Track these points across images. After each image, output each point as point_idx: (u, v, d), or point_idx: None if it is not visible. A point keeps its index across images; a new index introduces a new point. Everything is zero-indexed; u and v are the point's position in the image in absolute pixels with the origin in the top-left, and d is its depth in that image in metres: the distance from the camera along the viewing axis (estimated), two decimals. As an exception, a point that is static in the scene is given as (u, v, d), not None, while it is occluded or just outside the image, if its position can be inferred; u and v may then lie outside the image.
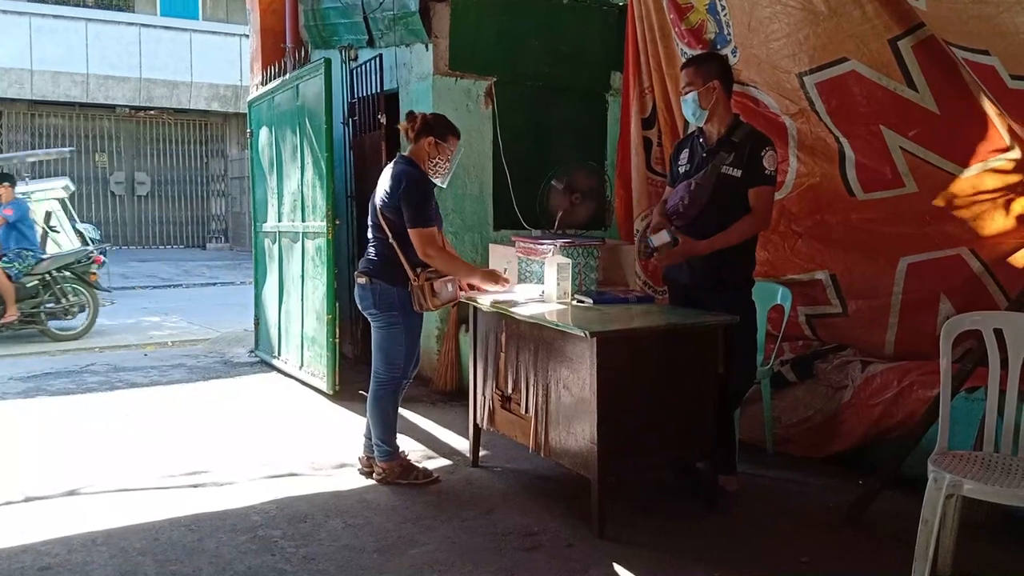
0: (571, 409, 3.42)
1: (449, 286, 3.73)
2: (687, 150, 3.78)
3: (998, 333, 2.96)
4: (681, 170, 3.76)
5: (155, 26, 19.00)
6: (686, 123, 4.79)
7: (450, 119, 3.91)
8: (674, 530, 3.42)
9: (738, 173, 3.53)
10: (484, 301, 3.90)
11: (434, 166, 3.79)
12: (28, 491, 3.86)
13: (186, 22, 19.44)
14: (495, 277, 3.88)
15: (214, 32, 19.35)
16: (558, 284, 3.76)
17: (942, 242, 4.06)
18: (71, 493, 3.87)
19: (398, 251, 3.72)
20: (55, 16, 17.80)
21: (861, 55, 3.87)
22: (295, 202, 6.09)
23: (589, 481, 3.35)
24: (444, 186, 3.93)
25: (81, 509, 3.67)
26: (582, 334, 3.25)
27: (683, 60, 4.70)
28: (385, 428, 3.90)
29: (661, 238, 3.60)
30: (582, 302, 3.82)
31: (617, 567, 3.09)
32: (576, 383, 3.37)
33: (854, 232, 4.26)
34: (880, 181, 4.06)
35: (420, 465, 4.00)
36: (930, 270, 4.10)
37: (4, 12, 17.13)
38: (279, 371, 6.53)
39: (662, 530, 3.42)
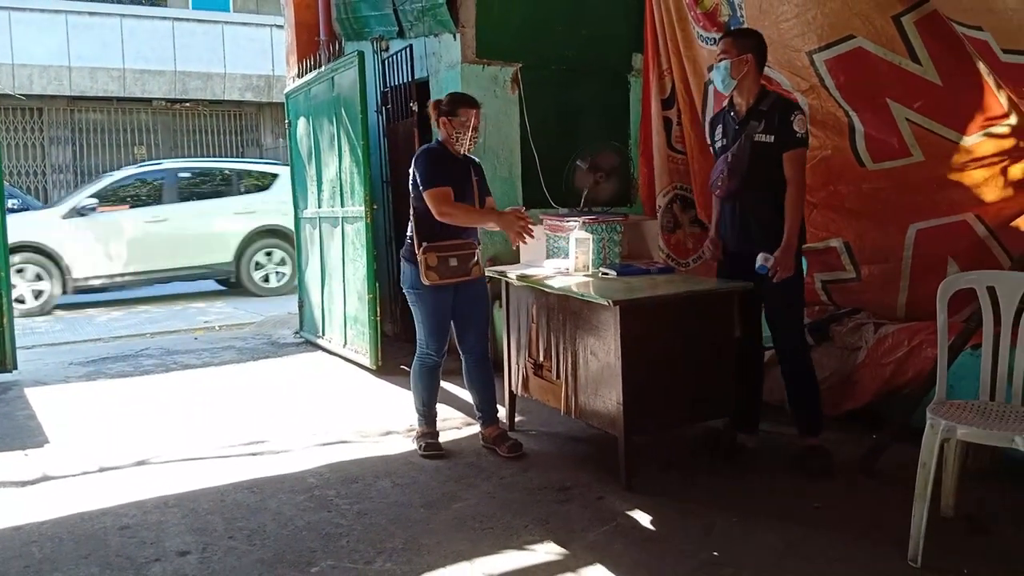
0: (598, 373, 3.70)
1: (452, 260, 3.83)
2: (720, 125, 3.93)
3: (991, 290, 3.18)
4: (718, 145, 3.94)
5: (188, 19, 19.36)
6: (704, 102, 5.02)
7: (465, 93, 4.13)
8: (696, 482, 3.70)
9: (771, 139, 3.68)
10: (513, 276, 4.19)
11: (457, 140, 3.89)
12: (102, 462, 4.23)
13: (218, 14, 19.78)
14: (510, 221, 3.87)
15: (245, 23, 19.67)
16: (577, 258, 4.03)
17: (948, 209, 4.26)
18: (141, 463, 4.23)
19: (413, 228, 3.93)
20: (90, 13, 18.21)
21: (866, 32, 4.06)
22: (334, 188, 6.40)
23: (616, 439, 3.64)
24: (464, 151, 3.94)
25: (151, 477, 4.02)
26: (606, 303, 3.52)
27: (699, 42, 4.91)
28: (415, 399, 4.19)
29: (765, 259, 3.68)
30: (607, 274, 4.09)
31: (643, 514, 3.38)
32: (602, 349, 3.65)
33: (865, 201, 4.46)
34: (888, 151, 4.25)
35: (431, 441, 4.17)
36: (938, 236, 4.30)
37: (42, 11, 17.58)
38: (324, 350, 6.87)
39: (685, 482, 3.70)
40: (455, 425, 4.60)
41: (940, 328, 3.22)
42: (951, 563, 2.90)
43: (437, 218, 3.79)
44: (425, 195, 3.81)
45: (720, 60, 3.76)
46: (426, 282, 3.83)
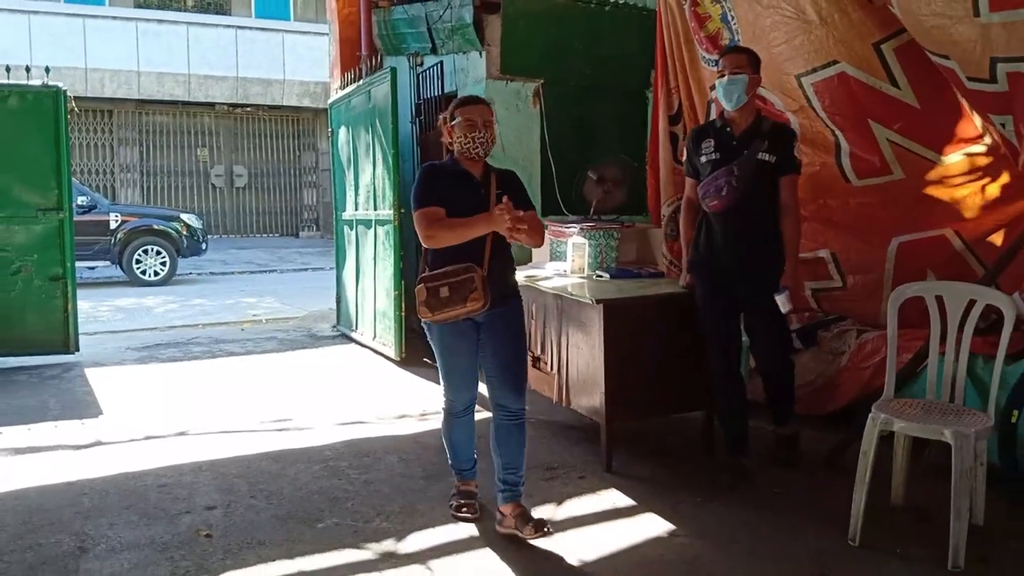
0: (586, 365, 4.08)
1: (442, 291, 3.21)
2: (711, 140, 3.92)
3: (939, 299, 3.48)
4: (704, 159, 3.91)
5: (250, 27, 20.19)
6: (708, 118, 5.34)
7: (467, 95, 3.60)
8: (671, 468, 4.07)
9: (773, 159, 3.79)
10: (520, 276, 4.59)
11: (464, 147, 3.29)
12: (147, 432, 4.75)
13: (279, 23, 20.57)
14: (498, 220, 3.15)
15: (304, 32, 20.39)
16: (574, 260, 4.41)
17: (928, 224, 4.53)
18: (181, 434, 4.74)
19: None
20: (158, 21, 19.11)
21: (849, 57, 4.35)
22: (368, 193, 6.88)
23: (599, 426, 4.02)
24: (475, 155, 3.31)
25: (189, 445, 4.52)
26: (591, 302, 3.91)
27: (703, 63, 5.25)
28: (447, 451, 3.64)
29: (786, 298, 3.81)
30: (601, 276, 4.47)
31: (618, 492, 3.76)
32: (588, 344, 4.03)
33: (852, 215, 4.75)
34: (871, 169, 4.54)
35: (463, 502, 3.56)
36: (918, 249, 4.58)
37: (113, 18, 18.57)
38: (356, 342, 7.36)
39: (660, 468, 4.07)
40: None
41: (890, 334, 3.54)
42: (888, 544, 3.22)
43: (424, 244, 3.32)
44: (414, 218, 3.32)
45: (736, 74, 3.77)
46: (422, 318, 3.34)
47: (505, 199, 3.17)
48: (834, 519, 3.36)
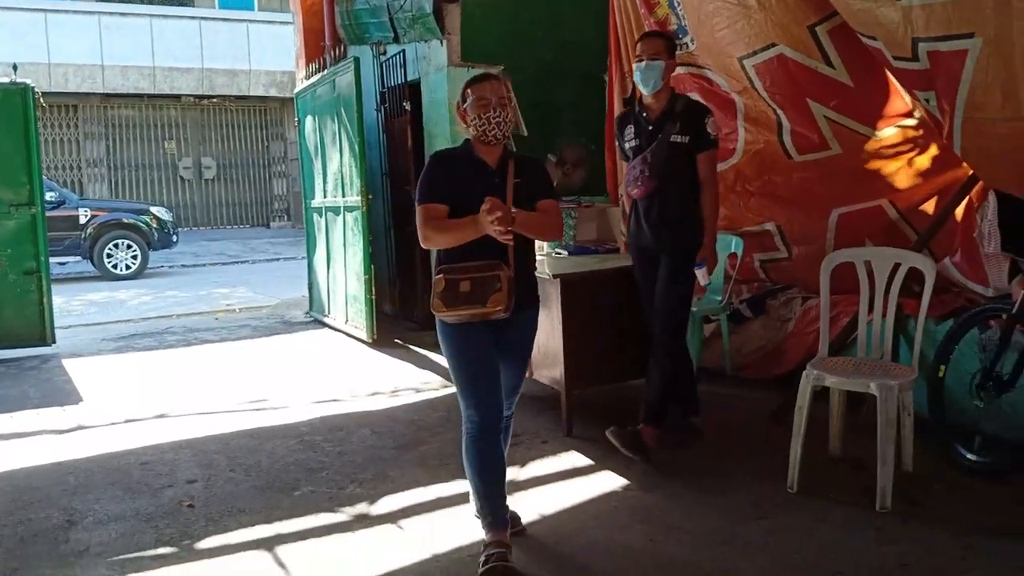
0: (547, 338, 4.32)
1: (463, 285, 2.84)
2: (631, 125, 3.99)
3: (868, 264, 3.76)
4: (629, 145, 4.00)
5: (214, 18, 20.14)
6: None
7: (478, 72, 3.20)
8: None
9: (686, 140, 3.81)
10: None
11: (479, 129, 2.92)
12: (127, 416, 4.93)
13: (243, 13, 20.53)
14: (484, 222, 2.77)
15: (269, 22, 20.35)
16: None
17: (865, 195, 4.82)
18: (160, 416, 4.92)
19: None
20: (122, 14, 19.01)
21: (786, 40, 4.59)
22: (336, 180, 7.07)
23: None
24: (494, 138, 2.93)
25: (169, 427, 4.72)
26: (549, 277, 4.14)
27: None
28: (472, 490, 3.05)
29: (703, 273, 3.89)
30: (559, 254, 4.70)
31: (576, 454, 4.03)
32: (549, 317, 4.26)
33: (794, 189, 5.02)
34: (810, 145, 4.81)
35: (494, 552, 2.86)
36: (856, 219, 4.86)
37: (76, 12, 18.46)
38: (329, 327, 7.56)
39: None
40: (433, 387, 5.25)
41: (823, 298, 3.81)
42: (823, 491, 3.49)
43: (422, 244, 2.98)
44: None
45: (653, 60, 3.81)
46: (435, 312, 2.91)
47: (488, 198, 2.76)
48: (776, 470, 3.63)
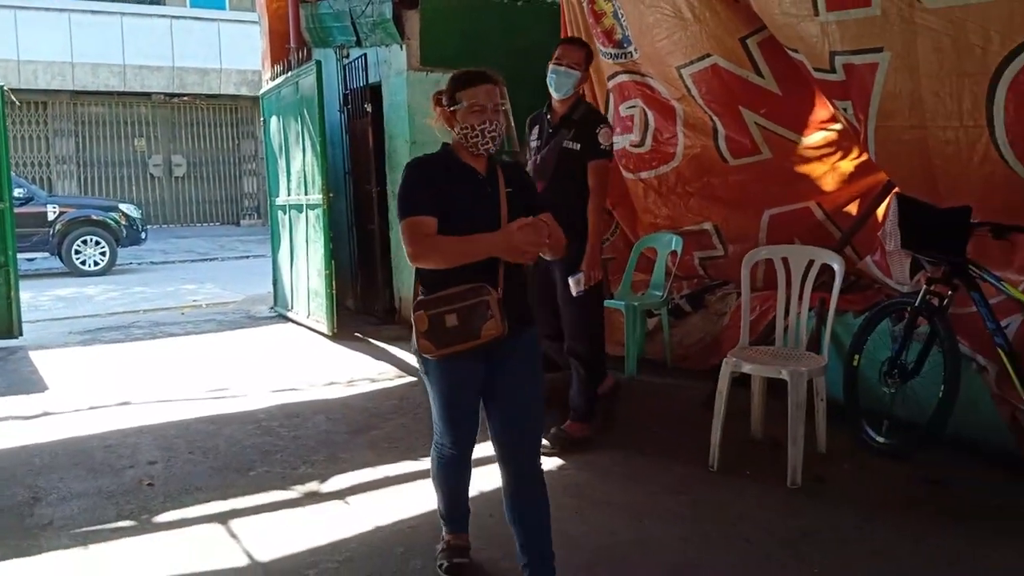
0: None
1: (449, 319, 2.50)
2: (538, 127, 4.10)
3: (785, 261, 4.06)
4: (533, 145, 4.09)
5: (185, 17, 20.22)
6: (607, 107, 5.86)
7: (469, 69, 2.66)
8: (564, 417, 4.57)
9: (577, 147, 3.87)
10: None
11: (468, 138, 2.57)
12: (91, 403, 5.13)
13: (214, 12, 20.60)
14: (513, 243, 2.47)
15: (240, 21, 20.34)
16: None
17: (794, 197, 5.14)
18: (124, 404, 5.12)
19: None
20: (92, 12, 19.03)
21: (720, 51, 4.89)
22: (300, 179, 7.29)
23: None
24: (486, 149, 2.58)
25: (132, 413, 4.92)
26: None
27: (601, 56, 5.75)
28: (438, 500, 2.99)
29: (577, 281, 3.90)
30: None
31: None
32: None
33: (730, 191, 5.32)
34: (743, 150, 5.11)
35: (453, 560, 2.90)
36: (786, 220, 5.18)
37: (46, 10, 18.45)
38: (293, 321, 7.77)
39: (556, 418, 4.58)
40: (388, 377, 5.49)
41: (744, 292, 4.11)
42: (741, 469, 3.79)
43: (410, 263, 2.60)
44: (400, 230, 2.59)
45: (572, 68, 3.90)
46: (425, 355, 2.60)
47: (527, 221, 2.47)
48: (701, 452, 3.90)
